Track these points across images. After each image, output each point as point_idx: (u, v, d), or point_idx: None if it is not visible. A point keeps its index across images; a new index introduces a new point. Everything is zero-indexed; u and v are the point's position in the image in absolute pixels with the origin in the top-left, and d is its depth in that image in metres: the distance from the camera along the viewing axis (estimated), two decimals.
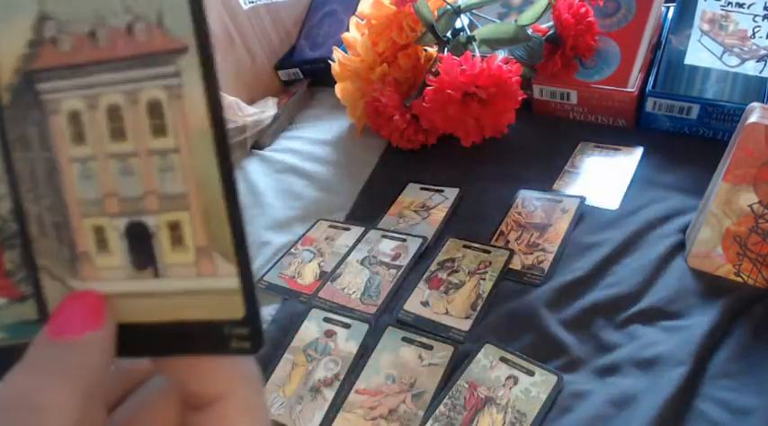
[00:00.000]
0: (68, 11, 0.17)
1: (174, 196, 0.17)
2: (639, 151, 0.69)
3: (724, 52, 0.68)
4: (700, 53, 0.69)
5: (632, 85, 0.70)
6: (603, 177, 0.67)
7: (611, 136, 0.72)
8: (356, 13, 0.75)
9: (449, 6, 0.70)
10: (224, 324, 0.17)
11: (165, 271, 0.18)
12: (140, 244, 0.18)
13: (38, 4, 0.17)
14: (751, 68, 0.66)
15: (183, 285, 0.18)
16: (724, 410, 0.46)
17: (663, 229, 0.59)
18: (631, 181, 0.66)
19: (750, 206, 0.51)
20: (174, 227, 0.17)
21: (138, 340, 0.18)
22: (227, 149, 0.17)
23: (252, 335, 0.17)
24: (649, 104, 0.69)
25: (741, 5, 0.68)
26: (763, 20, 0.67)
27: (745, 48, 0.67)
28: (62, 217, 0.18)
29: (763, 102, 0.54)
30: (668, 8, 0.75)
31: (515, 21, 0.69)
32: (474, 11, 0.71)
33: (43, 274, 0.18)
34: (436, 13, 0.70)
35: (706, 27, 0.69)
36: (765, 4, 0.66)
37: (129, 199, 0.18)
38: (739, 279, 0.53)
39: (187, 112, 0.17)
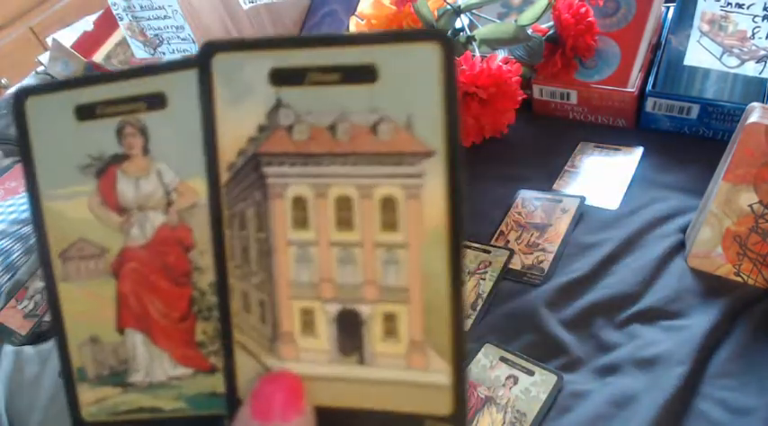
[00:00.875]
0: (310, 104, 0.17)
1: (394, 289, 0.17)
2: (639, 151, 0.69)
3: (723, 53, 0.68)
4: (699, 54, 0.69)
5: (632, 85, 0.70)
6: (603, 177, 0.67)
7: (611, 136, 0.72)
8: (356, 13, 0.75)
9: (449, 6, 0.70)
10: (426, 419, 0.17)
11: (372, 360, 0.18)
12: (350, 331, 0.18)
13: (276, 94, 0.17)
14: (750, 69, 0.66)
15: (390, 375, 0.18)
16: (724, 410, 0.46)
17: (663, 229, 0.59)
18: (631, 181, 0.66)
19: (750, 206, 0.51)
20: (389, 319, 0.18)
21: (334, 424, 0.18)
22: (461, 251, 0.17)
23: None
24: (649, 104, 0.70)
25: (741, 6, 0.68)
26: (762, 20, 0.67)
27: (745, 49, 0.67)
28: (269, 296, 0.18)
29: (763, 103, 0.54)
30: (668, 8, 0.75)
31: (515, 21, 0.69)
32: (474, 11, 0.71)
33: (238, 349, 0.18)
34: (436, 13, 0.70)
35: (706, 28, 0.69)
36: (765, 4, 0.66)
37: (345, 286, 0.18)
38: (739, 279, 0.53)
39: (423, 212, 0.17)
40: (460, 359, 0.17)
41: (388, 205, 0.17)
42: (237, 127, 0.18)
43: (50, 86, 0.19)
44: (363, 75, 0.17)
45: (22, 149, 0.20)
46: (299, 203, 0.18)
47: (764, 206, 0.50)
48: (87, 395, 0.20)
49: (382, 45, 0.17)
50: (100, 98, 0.19)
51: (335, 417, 0.18)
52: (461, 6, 0.70)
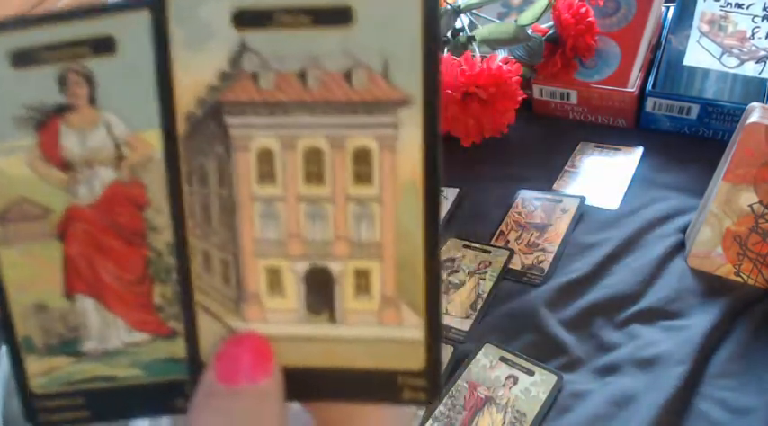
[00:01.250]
0: (277, 49, 0.16)
1: (367, 244, 0.17)
2: (639, 151, 0.69)
3: (723, 53, 0.68)
4: (699, 54, 0.69)
5: (632, 85, 0.71)
6: (603, 177, 0.67)
7: (611, 136, 0.72)
8: None
9: (449, 6, 0.70)
10: (398, 374, 0.17)
11: (344, 318, 0.17)
12: (320, 289, 0.17)
13: (240, 37, 0.16)
14: (750, 69, 0.66)
15: (361, 332, 0.17)
16: (724, 409, 0.46)
17: (663, 229, 0.59)
18: (631, 181, 0.66)
19: (750, 206, 0.51)
20: (361, 275, 0.17)
21: (305, 384, 0.17)
22: (437, 205, 0.16)
23: (428, 387, 0.17)
24: (649, 104, 0.70)
25: (740, 6, 0.68)
26: (762, 20, 0.67)
27: (744, 50, 0.67)
28: (232, 255, 0.17)
29: (763, 103, 0.54)
30: (668, 8, 0.75)
31: (515, 21, 0.69)
32: (474, 11, 0.71)
33: (200, 312, 0.18)
34: None
35: (705, 28, 0.69)
36: (765, 4, 0.67)
37: (314, 243, 0.17)
38: (739, 279, 0.53)
39: (399, 164, 0.16)
40: (434, 314, 0.17)
41: (361, 157, 0.17)
42: (196, 73, 0.16)
43: None
44: (337, 17, 0.16)
45: None
46: (265, 156, 0.17)
47: (764, 206, 0.50)
48: (36, 366, 0.19)
49: None
50: (39, 42, 0.17)
51: (306, 377, 0.17)
52: (461, 6, 0.70)
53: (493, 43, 0.68)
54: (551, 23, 0.71)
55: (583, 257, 0.59)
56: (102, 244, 0.18)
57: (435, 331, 0.17)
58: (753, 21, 0.67)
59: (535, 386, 0.49)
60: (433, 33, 0.16)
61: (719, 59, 0.68)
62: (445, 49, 0.69)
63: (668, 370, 0.47)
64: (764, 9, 0.67)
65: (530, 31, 0.69)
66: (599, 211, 0.63)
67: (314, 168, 0.17)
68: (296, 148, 0.17)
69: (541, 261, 0.59)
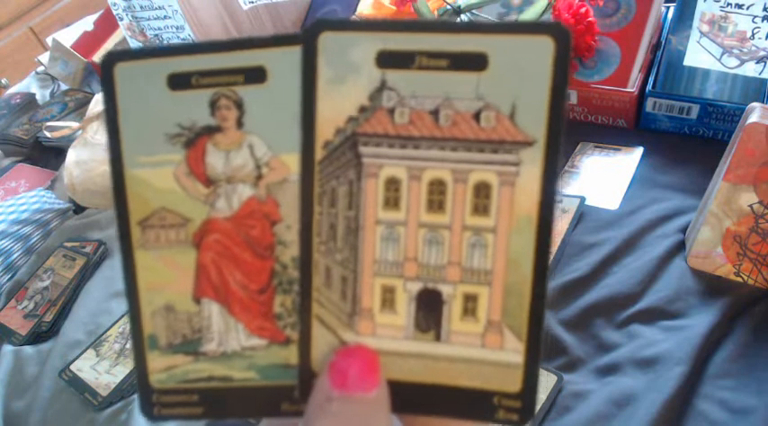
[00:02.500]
0: (415, 88, 0.17)
1: (478, 271, 0.18)
2: (639, 151, 0.69)
3: (723, 53, 0.68)
4: (699, 54, 0.69)
5: (632, 85, 0.70)
6: (603, 177, 0.67)
7: (611, 136, 0.72)
8: (356, 13, 0.75)
9: (449, 6, 0.70)
10: (495, 394, 0.18)
11: (449, 338, 0.18)
12: (429, 309, 0.18)
13: (381, 75, 0.18)
14: (750, 70, 0.66)
15: (464, 353, 0.18)
16: (724, 410, 0.46)
17: (663, 229, 0.59)
18: (631, 181, 0.66)
19: (750, 206, 0.51)
20: (470, 299, 0.18)
21: (407, 398, 0.18)
22: (549, 239, 0.17)
23: (523, 408, 0.18)
24: (649, 104, 0.70)
25: (740, 6, 0.68)
26: (762, 21, 0.67)
27: (744, 50, 0.67)
28: (352, 272, 0.19)
29: (763, 103, 0.54)
30: (668, 8, 0.75)
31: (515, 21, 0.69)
32: (474, 11, 0.71)
33: (315, 323, 0.19)
34: (436, 13, 0.70)
35: (705, 28, 0.69)
36: (765, 5, 0.66)
37: (429, 266, 0.18)
38: (739, 279, 0.53)
39: (516, 199, 0.17)
40: (535, 341, 0.18)
41: (482, 190, 0.18)
42: (338, 106, 0.18)
43: (141, 53, 0.19)
44: (473, 62, 0.17)
45: (108, 115, 0.19)
46: (392, 184, 0.18)
47: (764, 206, 0.50)
48: (157, 363, 0.20)
49: (496, 35, 0.17)
50: (196, 68, 0.19)
51: (408, 391, 0.18)
52: (461, 6, 0.70)
53: None
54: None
55: (583, 257, 0.59)
56: (233, 254, 0.20)
57: (535, 356, 0.18)
58: (753, 21, 0.67)
59: None
60: (562, 83, 0.17)
61: (719, 60, 0.68)
62: None
63: (668, 370, 0.47)
64: (764, 9, 0.67)
65: None
66: (599, 211, 0.63)
67: (436, 198, 0.18)
68: (421, 179, 0.18)
69: None
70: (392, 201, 0.18)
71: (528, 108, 0.17)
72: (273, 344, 0.20)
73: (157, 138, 0.19)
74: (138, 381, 0.21)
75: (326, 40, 0.18)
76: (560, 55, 0.17)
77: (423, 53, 0.17)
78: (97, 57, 1.17)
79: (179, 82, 0.19)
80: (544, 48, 0.17)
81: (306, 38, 0.18)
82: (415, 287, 0.19)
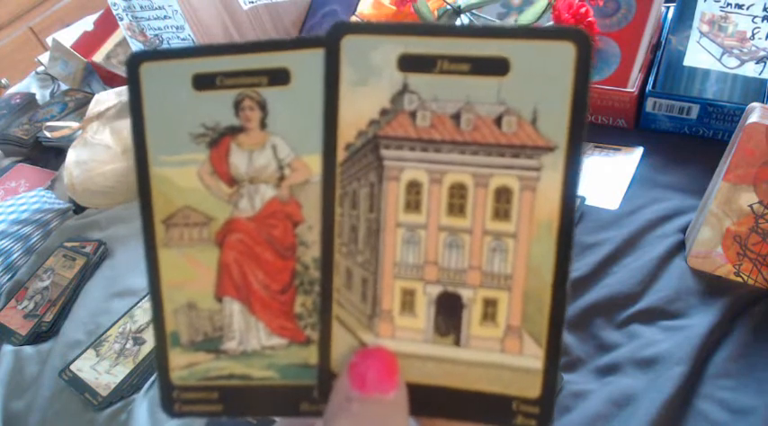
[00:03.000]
0: (437, 92, 0.18)
1: (498, 275, 0.18)
2: (639, 151, 0.69)
3: (723, 53, 0.68)
4: (699, 54, 0.69)
5: (632, 85, 0.70)
6: (603, 177, 0.67)
7: (611, 136, 0.72)
8: (356, 13, 0.75)
9: (449, 6, 0.70)
10: (514, 400, 0.18)
11: (468, 342, 0.18)
12: (448, 313, 0.18)
13: (403, 79, 0.18)
14: (750, 70, 0.66)
15: (483, 357, 0.18)
16: (724, 410, 0.46)
17: (663, 229, 0.59)
18: (631, 181, 0.66)
19: (750, 206, 0.51)
20: (489, 304, 0.18)
21: (425, 400, 0.18)
22: (570, 244, 0.17)
23: (541, 415, 0.18)
24: (649, 104, 0.70)
25: (740, 6, 0.68)
26: (762, 21, 0.67)
27: (745, 50, 0.67)
28: (372, 274, 0.19)
29: (763, 103, 0.54)
30: (668, 8, 0.75)
31: (515, 21, 0.69)
32: (474, 11, 0.71)
33: (336, 324, 0.19)
34: (436, 13, 0.70)
35: (705, 28, 0.69)
36: (765, 5, 0.66)
37: (449, 270, 0.18)
38: (739, 279, 0.53)
39: (537, 204, 0.17)
40: (555, 346, 0.18)
41: (503, 195, 0.18)
42: (360, 108, 0.18)
43: (167, 53, 0.19)
44: (494, 67, 0.17)
45: (133, 114, 0.20)
46: (413, 187, 0.18)
47: (764, 206, 0.50)
48: (178, 360, 0.20)
49: (517, 40, 0.17)
50: (220, 69, 0.19)
51: (426, 394, 0.18)
52: (461, 6, 0.70)
53: None
54: (551, 23, 0.71)
55: (583, 257, 0.59)
56: (255, 253, 0.20)
57: (554, 362, 0.18)
58: (753, 21, 0.67)
59: None
60: (584, 88, 0.17)
61: (719, 60, 0.68)
62: None
63: (668, 370, 0.47)
64: (764, 9, 0.67)
65: None
66: (599, 211, 0.63)
67: (457, 201, 0.18)
68: (442, 182, 0.18)
69: None
70: (413, 204, 0.18)
71: (549, 113, 0.17)
72: (294, 344, 0.20)
73: (182, 138, 0.20)
74: (159, 378, 0.21)
75: (349, 43, 0.18)
76: (582, 61, 0.17)
77: (444, 57, 0.17)
78: (97, 57, 1.17)
79: (204, 82, 0.19)
80: (566, 53, 0.17)
81: (329, 41, 0.18)
82: (435, 290, 0.19)
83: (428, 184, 0.18)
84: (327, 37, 0.18)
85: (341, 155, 0.19)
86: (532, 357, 0.18)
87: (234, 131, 0.20)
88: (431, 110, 0.18)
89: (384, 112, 0.18)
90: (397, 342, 0.19)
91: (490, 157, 0.18)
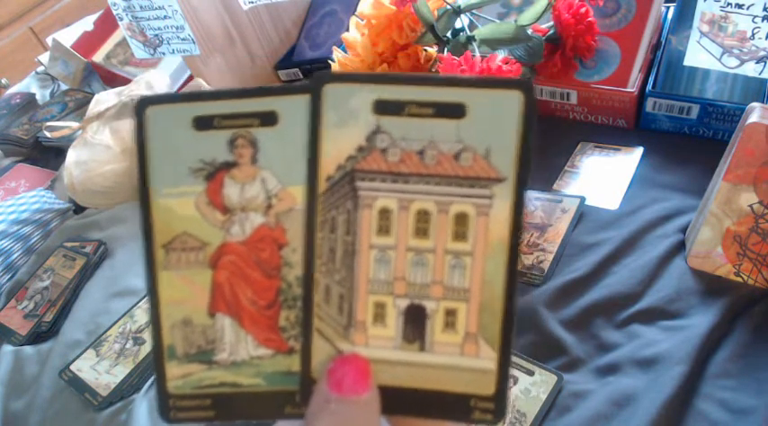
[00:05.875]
0: (405, 132, 0.21)
1: (457, 289, 0.21)
2: (639, 151, 0.69)
3: (723, 53, 0.68)
4: (699, 54, 0.69)
5: (632, 85, 0.70)
6: (603, 177, 0.67)
7: (611, 136, 0.72)
8: (356, 13, 0.75)
9: (449, 6, 0.70)
10: (472, 397, 0.20)
11: (432, 347, 0.21)
12: (415, 322, 0.21)
13: (376, 121, 0.21)
14: (750, 70, 0.66)
15: (445, 361, 0.21)
16: (724, 410, 0.46)
17: (663, 229, 0.59)
18: (631, 181, 0.66)
19: (750, 206, 0.51)
20: (450, 313, 0.21)
21: (395, 400, 0.21)
22: (518, 260, 0.20)
23: (495, 410, 0.20)
24: (649, 104, 0.70)
25: (740, 6, 0.68)
26: (762, 21, 0.67)
27: (745, 50, 0.67)
28: (348, 290, 0.21)
29: (763, 103, 0.54)
30: (668, 8, 0.75)
31: (515, 21, 0.69)
32: (474, 11, 0.71)
33: (316, 335, 0.21)
34: (436, 13, 0.70)
35: (705, 28, 0.69)
36: (765, 4, 0.66)
37: (415, 285, 0.21)
38: (739, 279, 0.53)
39: (490, 227, 0.20)
40: (506, 349, 0.20)
41: (461, 220, 0.20)
42: (339, 146, 0.21)
43: (171, 98, 0.22)
44: (453, 111, 0.20)
45: (139, 151, 0.22)
46: (384, 213, 0.21)
47: (764, 206, 0.50)
48: (174, 371, 0.23)
49: (473, 88, 0.20)
50: (218, 112, 0.22)
51: (396, 395, 0.21)
52: (461, 6, 0.70)
53: (493, 43, 0.68)
54: (551, 23, 0.71)
55: (583, 257, 0.59)
56: (245, 274, 0.22)
57: (506, 364, 0.20)
58: (753, 21, 0.67)
59: (535, 386, 0.49)
60: (529, 128, 0.20)
61: (719, 59, 0.68)
62: (445, 50, 0.69)
63: (668, 370, 0.47)
64: (764, 9, 0.67)
65: (530, 31, 0.69)
66: (599, 211, 0.63)
67: (422, 225, 0.21)
68: (409, 209, 0.21)
69: (541, 262, 0.59)
70: (384, 228, 0.21)
71: (500, 150, 0.20)
72: (278, 354, 0.22)
73: (182, 172, 0.22)
74: (157, 387, 0.23)
75: (330, 91, 0.21)
76: (527, 106, 0.20)
77: (412, 103, 0.20)
78: (97, 57, 1.17)
79: (203, 123, 0.22)
80: (514, 100, 0.20)
81: (313, 88, 0.21)
82: (404, 303, 0.21)
83: (397, 211, 0.21)
84: (312, 85, 0.21)
85: (322, 186, 0.21)
86: (487, 359, 0.20)
87: (228, 166, 0.22)
88: (400, 148, 0.21)
89: (360, 149, 0.21)
90: (370, 349, 0.21)
91: (450, 187, 0.20)
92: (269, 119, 0.22)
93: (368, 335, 0.21)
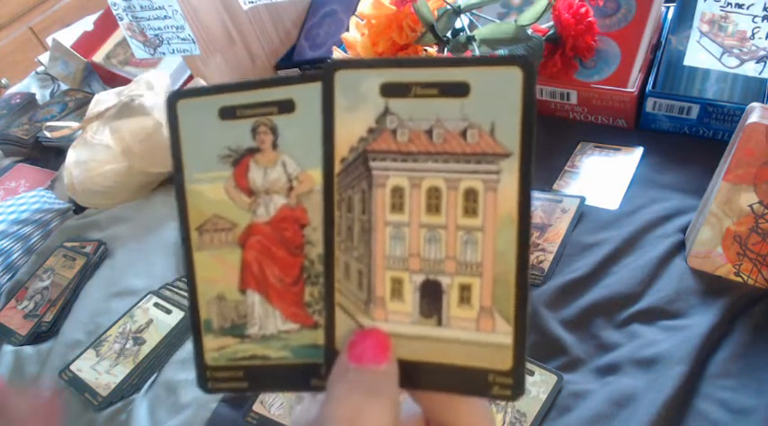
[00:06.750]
0: (412, 112, 0.21)
1: (470, 263, 0.21)
2: (639, 151, 0.69)
3: (723, 53, 0.68)
4: (699, 54, 0.69)
5: (632, 85, 0.70)
6: (603, 177, 0.67)
7: (611, 136, 0.72)
8: (356, 13, 0.75)
9: (449, 6, 0.70)
10: (489, 372, 0.21)
11: (448, 322, 0.21)
12: (431, 298, 0.21)
13: (385, 103, 0.21)
14: (750, 70, 0.66)
15: (462, 335, 0.21)
16: (724, 410, 0.46)
17: (663, 229, 0.59)
18: (631, 181, 0.66)
19: (750, 206, 0.51)
20: (465, 288, 0.21)
21: (413, 374, 0.21)
22: (528, 234, 0.20)
23: (514, 385, 0.20)
24: (649, 104, 0.70)
25: (740, 6, 0.68)
26: (762, 21, 0.67)
27: (745, 50, 0.67)
28: (366, 266, 0.22)
29: (763, 103, 0.54)
30: (668, 8, 0.75)
31: (515, 21, 0.69)
32: (474, 11, 0.71)
33: (338, 309, 0.22)
34: (436, 13, 0.70)
35: (705, 28, 0.69)
36: (765, 4, 0.66)
37: (430, 261, 0.21)
38: (739, 279, 0.53)
39: (499, 202, 0.21)
40: (521, 323, 0.20)
41: (470, 195, 0.21)
42: (351, 128, 0.22)
43: (198, 91, 0.24)
44: (458, 90, 0.21)
45: (173, 141, 0.24)
46: (397, 192, 0.22)
47: (764, 206, 0.50)
48: (211, 344, 0.24)
49: (475, 67, 0.21)
50: (240, 102, 0.23)
51: (414, 369, 0.21)
52: (461, 6, 0.70)
53: (493, 43, 0.68)
54: (551, 23, 0.71)
55: (583, 257, 0.59)
56: (271, 252, 0.24)
57: (521, 338, 0.20)
58: (753, 21, 0.67)
59: (535, 386, 0.49)
60: (530, 103, 0.20)
61: (719, 59, 0.68)
62: (445, 50, 0.69)
63: (668, 370, 0.47)
64: (764, 9, 0.67)
65: (530, 31, 0.69)
66: (599, 211, 0.63)
67: (433, 202, 0.21)
68: (420, 187, 0.21)
69: (541, 262, 0.59)
70: (397, 206, 0.22)
71: (504, 125, 0.20)
72: (304, 328, 0.23)
73: (211, 159, 0.24)
74: (196, 359, 0.24)
75: (341, 77, 0.22)
76: (527, 81, 0.20)
77: (417, 84, 0.21)
78: (97, 57, 1.17)
79: (227, 113, 0.24)
80: (514, 76, 0.20)
81: (324, 75, 0.22)
82: (419, 278, 0.21)
83: (409, 189, 0.21)
84: (323, 72, 0.22)
85: (337, 167, 0.22)
86: (503, 333, 0.21)
87: (252, 152, 0.24)
88: (408, 128, 0.21)
89: (371, 131, 0.22)
90: (390, 324, 0.22)
91: (458, 164, 0.21)
92: (287, 106, 0.23)
93: (387, 310, 0.22)
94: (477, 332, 0.21)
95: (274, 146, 0.23)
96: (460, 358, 0.21)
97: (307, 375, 0.23)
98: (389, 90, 0.21)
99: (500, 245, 0.21)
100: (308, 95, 0.23)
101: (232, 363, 0.24)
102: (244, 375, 0.24)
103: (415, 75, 0.21)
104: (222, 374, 0.24)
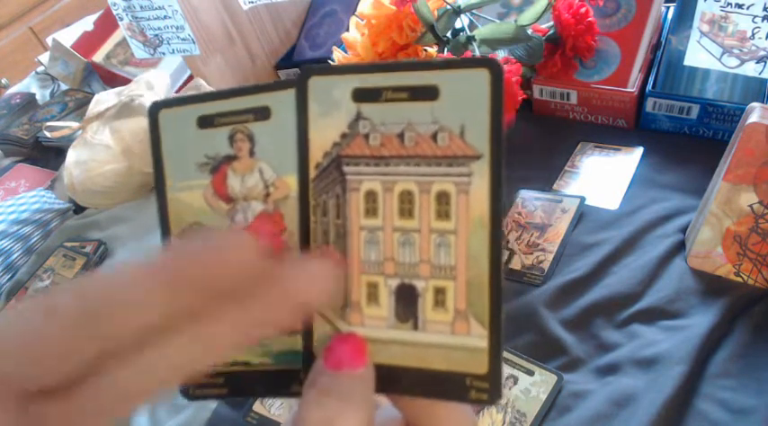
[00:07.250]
0: (384, 117, 0.21)
1: (444, 267, 0.21)
2: (639, 151, 0.69)
3: (723, 53, 0.68)
4: (699, 54, 0.69)
5: (632, 85, 0.70)
6: (603, 177, 0.67)
7: (611, 136, 0.72)
8: (356, 13, 0.75)
9: (449, 6, 0.70)
10: (466, 376, 0.20)
11: (424, 326, 0.21)
12: (406, 301, 0.21)
13: (357, 108, 0.21)
14: (750, 70, 0.66)
15: (438, 339, 0.21)
16: (724, 410, 0.46)
17: (663, 229, 0.59)
18: (631, 181, 0.66)
19: (750, 206, 0.51)
20: (439, 292, 0.21)
21: (390, 379, 0.21)
22: (500, 237, 0.20)
23: (491, 389, 0.20)
24: (649, 104, 0.70)
25: (740, 6, 0.68)
26: (762, 21, 0.67)
27: (745, 50, 0.67)
28: (342, 271, 0.22)
29: (763, 103, 0.54)
30: (668, 8, 0.75)
31: (515, 21, 0.69)
32: (474, 11, 0.71)
33: (315, 315, 0.22)
34: (436, 13, 0.70)
35: (705, 28, 0.69)
36: (765, 4, 0.66)
37: (404, 265, 0.22)
38: (739, 279, 0.53)
39: (471, 204, 0.21)
40: (496, 326, 0.20)
41: (442, 198, 0.21)
42: (325, 134, 0.22)
43: (178, 101, 0.24)
44: (427, 93, 0.21)
45: (154, 150, 0.25)
46: (370, 196, 0.22)
47: (764, 206, 0.50)
48: None
49: (443, 70, 0.21)
50: (217, 111, 0.24)
51: (391, 373, 0.21)
52: (461, 6, 0.70)
53: (493, 43, 0.68)
54: (551, 23, 0.71)
55: (583, 257, 0.59)
56: None
57: (497, 341, 0.20)
58: (753, 21, 0.67)
59: (535, 386, 0.49)
60: (498, 105, 0.20)
61: (720, 59, 0.68)
62: (445, 50, 0.69)
63: (668, 370, 0.47)
64: (765, 9, 0.67)
65: (530, 31, 0.69)
66: (599, 211, 0.63)
67: (406, 206, 0.21)
68: (393, 191, 0.21)
69: (541, 262, 0.59)
70: (371, 210, 0.22)
71: (474, 127, 0.20)
72: (284, 334, 0.23)
73: (190, 167, 0.24)
74: None
75: (314, 83, 0.22)
76: (495, 83, 0.20)
77: (388, 88, 0.21)
78: (97, 57, 1.17)
79: (205, 122, 0.24)
80: (482, 78, 0.20)
81: (298, 82, 0.22)
82: (394, 282, 0.22)
83: (382, 193, 0.22)
84: (297, 79, 0.22)
85: (312, 173, 0.22)
86: (478, 337, 0.20)
87: (229, 159, 0.24)
88: (380, 132, 0.21)
89: (344, 136, 0.22)
90: (366, 329, 0.22)
91: (430, 167, 0.21)
92: (263, 113, 0.23)
93: (363, 315, 0.22)
94: (452, 335, 0.21)
95: (251, 153, 0.24)
96: (437, 362, 0.21)
97: (287, 381, 0.23)
98: (361, 95, 0.21)
99: (473, 248, 0.21)
100: (283, 102, 0.23)
101: (212, 369, 0.24)
102: (224, 381, 0.24)
103: (385, 80, 0.21)
104: (203, 380, 0.24)
